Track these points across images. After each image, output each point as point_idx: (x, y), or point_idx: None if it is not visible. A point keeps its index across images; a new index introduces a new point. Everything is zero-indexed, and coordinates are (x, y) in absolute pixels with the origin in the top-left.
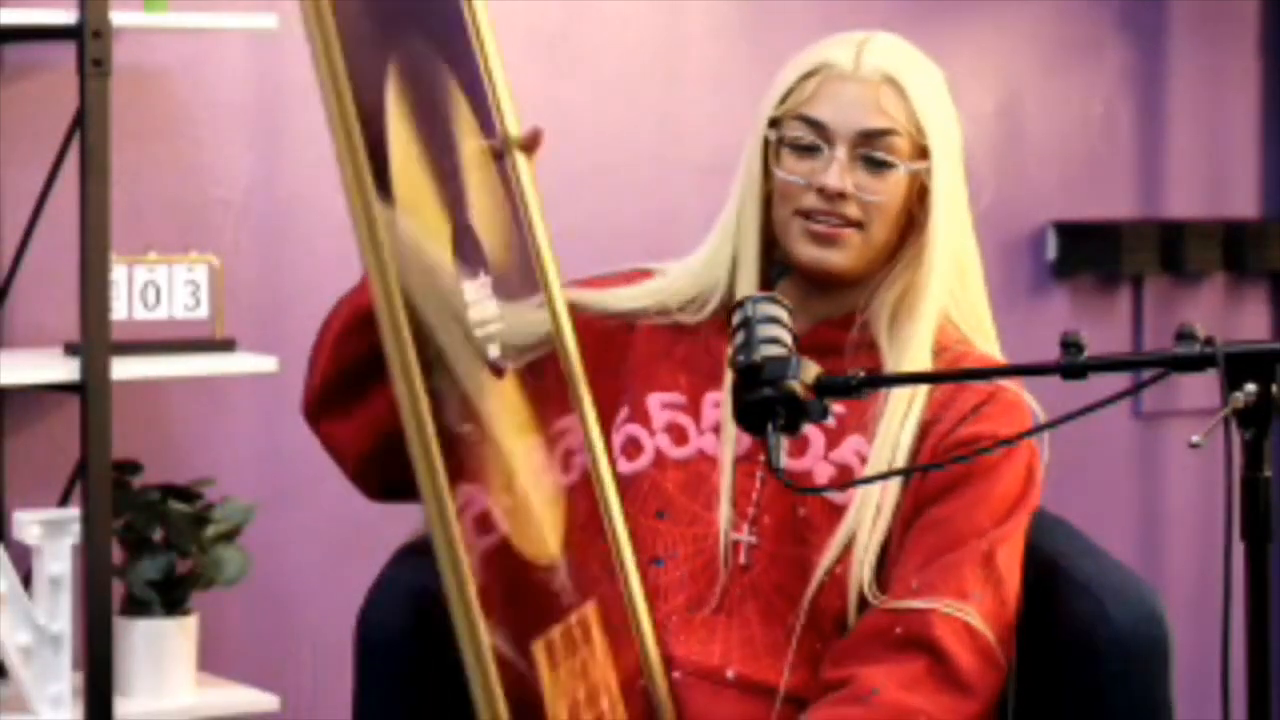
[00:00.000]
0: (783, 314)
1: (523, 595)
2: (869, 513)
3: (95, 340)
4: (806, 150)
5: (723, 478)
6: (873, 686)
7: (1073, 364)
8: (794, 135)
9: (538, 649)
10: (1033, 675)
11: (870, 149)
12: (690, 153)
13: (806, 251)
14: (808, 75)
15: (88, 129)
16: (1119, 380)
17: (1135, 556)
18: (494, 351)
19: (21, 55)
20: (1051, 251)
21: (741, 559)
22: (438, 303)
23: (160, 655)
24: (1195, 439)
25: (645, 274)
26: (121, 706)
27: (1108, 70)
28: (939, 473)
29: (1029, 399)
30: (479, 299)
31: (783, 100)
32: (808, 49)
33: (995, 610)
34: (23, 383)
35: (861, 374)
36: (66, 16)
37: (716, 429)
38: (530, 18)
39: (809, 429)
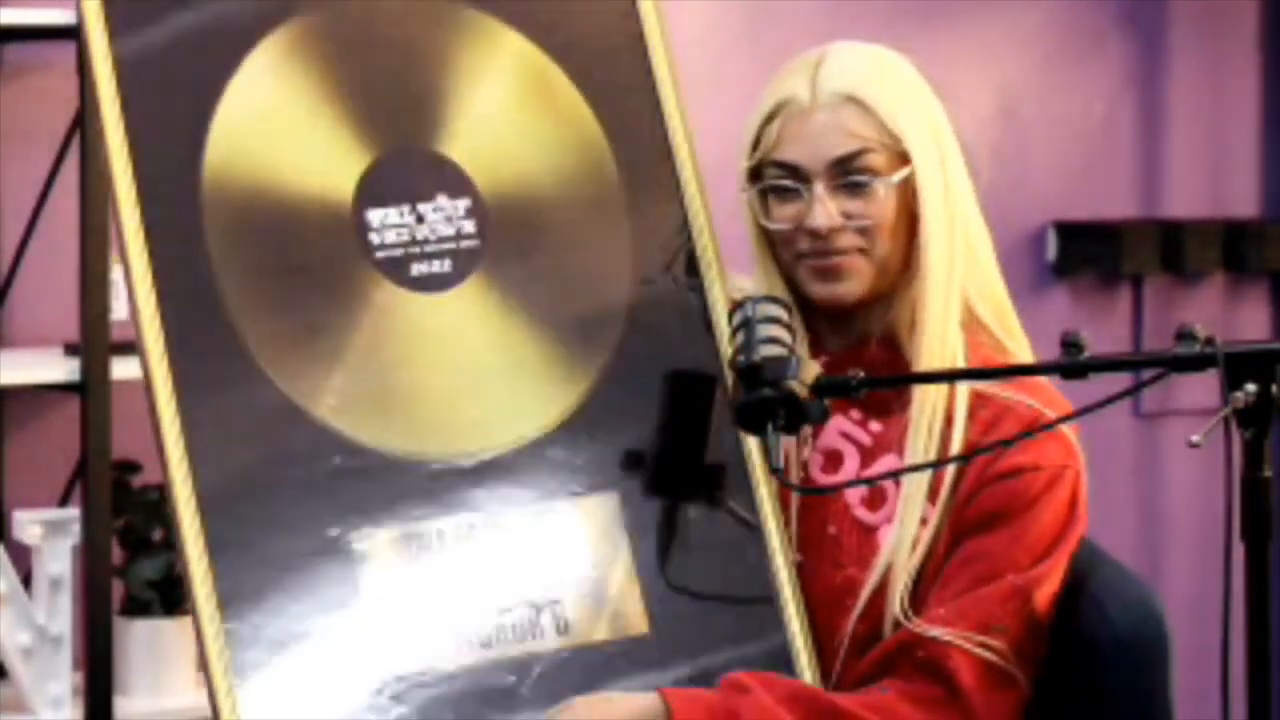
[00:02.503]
0: (783, 314)
1: (348, 485)
2: (906, 540)
3: (95, 340)
4: (787, 194)
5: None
6: (884, 690)
7: (1073, 364)
8: (772, 183)
9: (365, 538)
10: (1033, 686)
11: (848, 175)
12: None
13: (817, 290)
14: (769, 118)
15: (88, 129)
16: (1119, 380)
17: (1135, 556)
18: (434, 267)
19: (21, 55)
20: (1051, 251)
21: None
22: (278, 238)
23: (160, 655)
24: (1195, 439)
25: None
26: (121, 706)
27: (1108, 70)
28: (980, 505)
29: (1070, 433)
30: (428, 220)
31: (754, 148)
32: (765, 88)
33: (1024, 644)
34: (23, 383)
35: (860, 374)
36: (66, 16)
37: None
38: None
39: (844, 447)
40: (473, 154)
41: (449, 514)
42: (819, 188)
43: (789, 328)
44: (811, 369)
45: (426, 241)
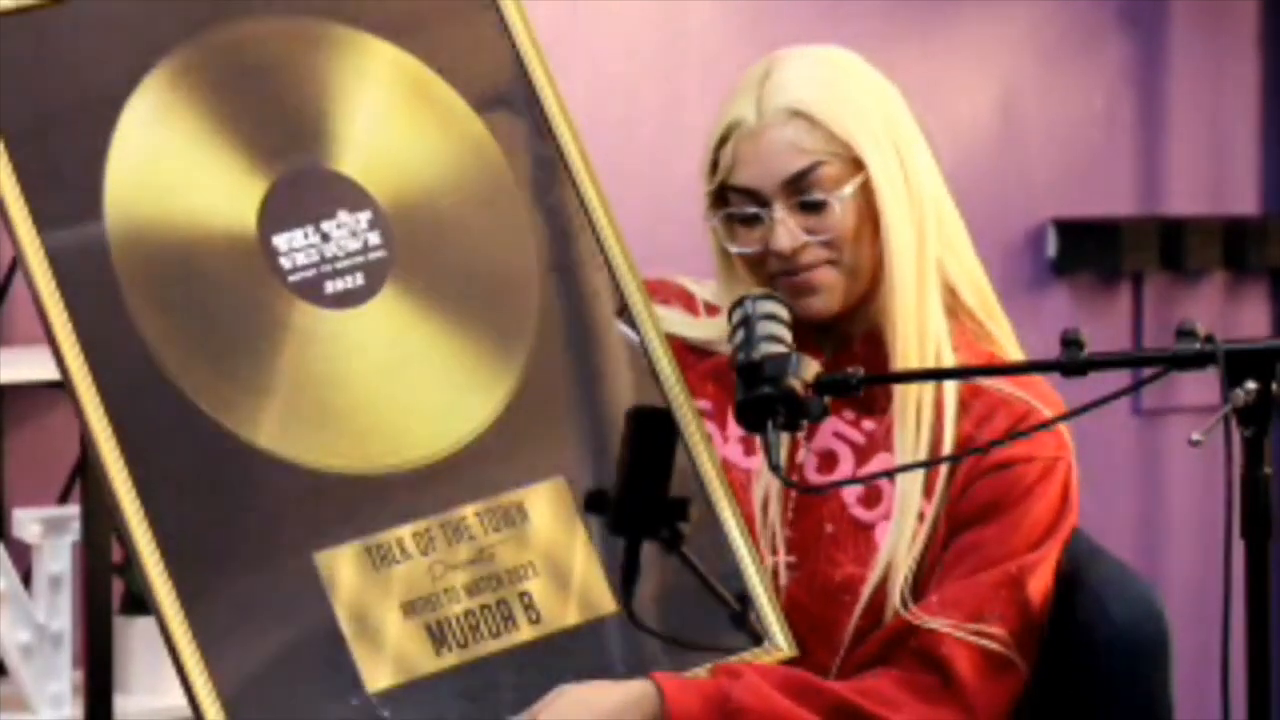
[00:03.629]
0: (783, 311)
1: (293, 508)
2: (905, 537)
3: None
4: (749, 220)
5: (756, 496)
6: (875, 677)
7: (1073, 361)
8: (733, 209)
9: (327, 559)
10: (1032, 672)
11: (802, 194)
12: (690, 152)
13: (793, 306)
14: (722, 142)
15: None
16: (1119, 378)
17: (1135, 555)
18: (348, 283)
19: None
20: (1051, 249)
21: (781, 580)
22: (186, 268)
23: (160, 653)
24: (1195, 436)
25: (665, 284)
26: (121, 705)
27: (1108, 67)
28: (975, 497)
29: (1061, 424)
30: (333, 237)
31: (713, 173)
32: (718, 110)
33: (1020, 632)
34: (23, 380)
35: (861, 372)
36: None
37: (742, 440)
38: (529, 16)
39: (838, 447)
40: (365, 167)
41: (406, 522)
42: (778, 209)
43: (789, 325)
44: (812, 367)
45: (336, 259)
